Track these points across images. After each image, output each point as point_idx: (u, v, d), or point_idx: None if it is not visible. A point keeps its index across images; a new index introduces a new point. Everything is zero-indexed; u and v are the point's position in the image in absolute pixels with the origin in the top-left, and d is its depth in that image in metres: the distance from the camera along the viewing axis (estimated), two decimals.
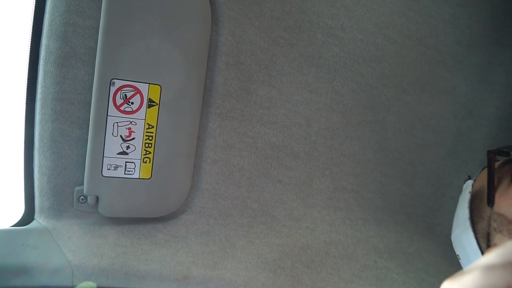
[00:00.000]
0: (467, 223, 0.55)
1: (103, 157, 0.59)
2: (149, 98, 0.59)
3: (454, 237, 0.60)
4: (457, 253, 0.59)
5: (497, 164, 0.56)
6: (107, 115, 0.58)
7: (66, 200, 0.61)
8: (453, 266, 0.84)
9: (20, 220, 0.62)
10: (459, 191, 0.65)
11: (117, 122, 0.58)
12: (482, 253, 0.53)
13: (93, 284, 0.59)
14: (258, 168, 0.70)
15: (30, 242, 0.58)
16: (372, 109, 0.74)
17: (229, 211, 0.70)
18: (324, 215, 0.76)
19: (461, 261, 0.59)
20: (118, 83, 0.57)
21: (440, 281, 0.82)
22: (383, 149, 0.77)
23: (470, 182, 0.59)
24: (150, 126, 0.60)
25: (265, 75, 0.67)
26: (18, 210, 0.62)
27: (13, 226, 0.61)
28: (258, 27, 0.64)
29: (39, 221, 0.61)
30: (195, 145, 0.64)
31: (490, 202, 0.51)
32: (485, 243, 0.53)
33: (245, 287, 0.67)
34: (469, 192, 0.57)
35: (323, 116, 0.71)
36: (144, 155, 0.61)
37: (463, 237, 0.56)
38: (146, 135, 0.60)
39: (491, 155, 0.53)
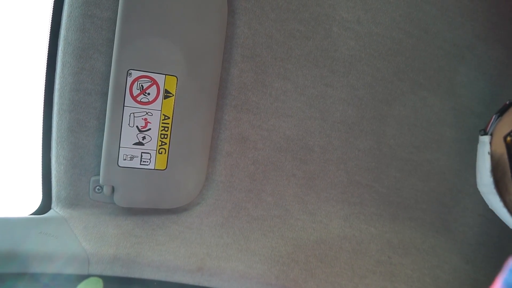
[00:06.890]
0: (493, 189, 0.54)
1: (119, 147, 0.59)
2: (166, 89, 0.59)
3: (482, 191, 0.60)
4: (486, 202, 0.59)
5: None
6: (123, 106, 0.58)
7: (83, 190, 0.62)
8: (469, 264, 0.83)
9: (38, 209, 0.63)
10: (476, 187, 0.64)
11: (133, 113, 0.59)
12: None
13: (99, 280, 0.59)
14: (273, 161, 0.70)
15: (47, 230, 0.58)
16: (387, 103, 0.73)
17: (243, 203, 0.70)
18: (338, 210, 0.75)
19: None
20: (135, 74, 0.57)
21: (456, 279, 0.81)
22: (399, 144, 0.76)
23: (487, 139, 0.57)
24: (166, 117, 0.60)
25: (281, 68, 0.67)
26: (36, 199, 0.63)
27: (31, 214, 0.62)
28: (274, 20, 0.64)
29: (56, 210, 0.62)
30: (210, 137, 0.64)
31: None
32: None
33: (258, 279, 0.67)
34: (488, 153, 0.55)
35: (338, 110, 0.71)
36: (159, 146, 0.61)
37: (491, 199, 0.56)
38: (162, 126, 0.60)
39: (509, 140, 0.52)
